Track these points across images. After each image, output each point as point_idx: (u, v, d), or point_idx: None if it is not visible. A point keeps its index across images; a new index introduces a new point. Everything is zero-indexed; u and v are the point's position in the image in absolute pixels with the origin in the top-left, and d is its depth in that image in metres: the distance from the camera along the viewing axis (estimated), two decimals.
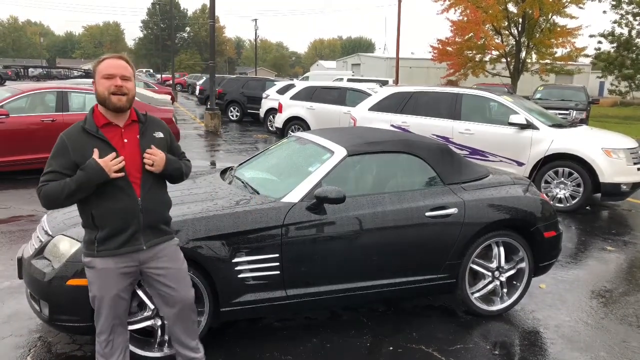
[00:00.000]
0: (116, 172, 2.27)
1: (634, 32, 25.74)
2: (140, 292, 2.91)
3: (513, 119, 7.33)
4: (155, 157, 2.38)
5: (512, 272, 3.88)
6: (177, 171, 2.54)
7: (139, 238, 2.37)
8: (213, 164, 10.37)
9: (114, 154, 2.28)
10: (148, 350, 2.99)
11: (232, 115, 19.12)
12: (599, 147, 6.92)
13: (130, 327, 2.85)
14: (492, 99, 7.84)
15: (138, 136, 2.38)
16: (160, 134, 2.48)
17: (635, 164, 6.98)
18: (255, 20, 63.31)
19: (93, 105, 2.37)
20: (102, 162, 2.23)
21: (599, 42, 26.80)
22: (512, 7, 25.49)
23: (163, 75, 47.87)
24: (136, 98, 9.16)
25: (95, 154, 2.25)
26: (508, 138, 7.43)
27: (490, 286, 3.85)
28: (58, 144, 2.30)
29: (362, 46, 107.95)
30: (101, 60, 2.33)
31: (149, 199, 2.38)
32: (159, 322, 2.99)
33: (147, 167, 2.37)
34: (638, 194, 7.66)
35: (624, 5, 25.60)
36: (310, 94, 12.68)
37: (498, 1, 24.39)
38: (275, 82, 18.19)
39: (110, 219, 2.31)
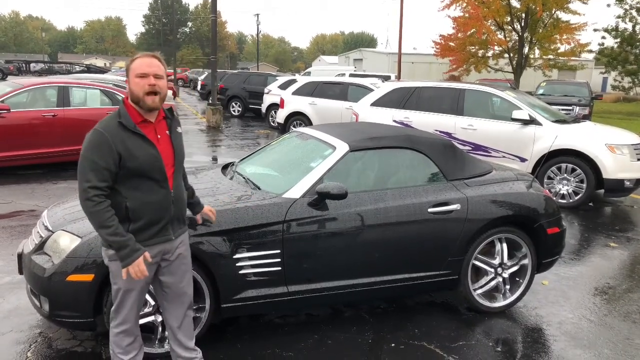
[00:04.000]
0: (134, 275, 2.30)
1: (637, 27, 25.61)
2: None
3: (516, 114, 7.30)
4: (213, 217, 2.87)
5: (515, 268, 3.86)
6: None
7: (169, 229, 2.44)
8: (215, 159, 10.36)
9: (145, 271, 2.29)
10: (149, 347, 2.97)
11: (234, 111, 19.09)
12: (603, 143, 6.88)
13: None
14: (495, 94, 7.80)
15: (167, 132, 2.46)
16: (180, 130, 2.57)
17: (639, 160, 6.94)
18: (257, 15, 63.26)
19: (122, 100, 2.38)
20: (139, 265, 2.27)
21: (603, 37, 26.69)
22: (515, 3, 25.36)
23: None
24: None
25: (145, 257, 2.31)
26: (511, 134, 7.39)
27: (492, 283, 3.83)
28: (97, 139, 2.23)
29: (364, 41, 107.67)
30: (134, 59, 2.35)
31: (178, 190, 2.47)
32: (160, 319, 2.99)
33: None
34: None
35: (628, 0, 25.45)
36: (312, 90, 12.64)
37: None
38: (277, 78, 18.12)
39: (146, 212, 2.33)
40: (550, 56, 26.20)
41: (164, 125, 2.45)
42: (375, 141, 3.69)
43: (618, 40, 26.02)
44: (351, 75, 21.43)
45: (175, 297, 2.58)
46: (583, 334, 3.60)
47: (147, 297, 2.92)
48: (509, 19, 25.50)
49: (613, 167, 6.76)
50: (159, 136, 2.39)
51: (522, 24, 25.84)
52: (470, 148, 7.62)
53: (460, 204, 3.59)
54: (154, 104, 2.32)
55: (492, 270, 3.81)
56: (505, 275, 3.83)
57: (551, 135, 7.00)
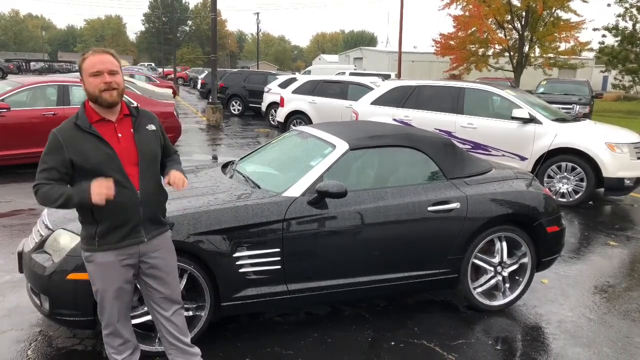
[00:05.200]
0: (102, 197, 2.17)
1: (638, 26, 25.55)
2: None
3: (516, 113, 7.29)
4: (179, 182, 2.43)
5: (514, 267, 3.86)
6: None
7: (140, 230, 2.38)
8: (214, 157, 10.35)
9: (111, 181, 2.20)
10: (148, 345, 2.98)
11: (234, 109, 19.09)
12: (603, 141, 6.88)
13: (131, 322, 2.84)
14: (495, 93, 7.80)
15: (132, 130, 2.37)
16: (152, 127, 2.46)
17: (639, 158, 6.94)
18: (257, 13, 63.26)
19: (84, 101, 2.34)
20: (95, 184, 2.17)
21: (603, 35, 26.63)
22: (515, 1, 25.32)
23: (165, 69, 47.78)
24: (138, 92, 9.14)
25: (98, 181, 2.18)
26: (511, 132, 7.39)
27: (492, 281, 3.83)
28: (51, 141, 2.27)
29: (364, 40, 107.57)
30: (85, 58, 2.27)
31: (148, 192, 2.37)
32: None
33: (175, 187, 2.43)
34: None
35: None
36: (312, 88, 12.63)
37: None
38: (277, 76, 18.13)
39: (111, 213, 2.28)
40: (551, 55, 26.17)
41: (127, 123, 2.36)
42: (375, 140, 3.69)
43: (618, 38, 25.98)
44: (351, 74, 21.41)
45: (160, 299, 2.53)
46: (582, 332, 3.60)
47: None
48: (509, 17, 25.47)
49: (613, 165, 6.76)
50: (119, 134, 2.31)
51: (523, 23, 25.81)
52: (470, 147, 7.62)
53: (460, 203, 3.59)
54: (112, 99, 2.26)
55: (492, 268, 3.81)
56: (505, 273, 3.84)
57: (551, 134, 7.00)
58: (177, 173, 2.47)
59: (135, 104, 2.47)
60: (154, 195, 2.41)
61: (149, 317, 2.98)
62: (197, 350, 2.74)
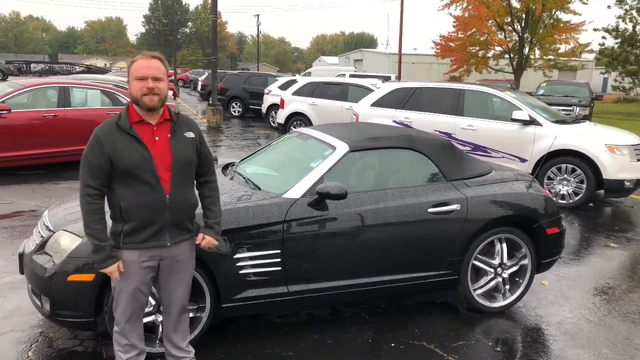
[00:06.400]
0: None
1: (638, 28, 25.60)
2: None
3: (516, 115, 7.30)
4: (211, 244, 2.61)
5: (514, 268, 3.87)
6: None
7: (165, 234, 2.42)
8: (215, 159, 10.33)
9: (117, 272, 2.38)
10: (149, 346, 2.98)
11: (234, 111, 19.10)
12: (603, 143, 6.89)
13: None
14: (495, 94, 7.81)
15: (169, 135, 2.41)
16: (191, 134, 2.50)
17: (639, 160, 6.94)
18: (258, 15, 63.29)
19: (128, 102, 2.42)
20: (113, 272, 2.37)
21: (603, 37, 26.69)
22: (515, 3, 25.37)
23: None
24: None
25: (119, 267, 2.38)
26: (511, 134, 7.40)
27: (492, 283, 3.84)
28: (92, 139, 2.33)
29: (364, 42, 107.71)
30: (134, 61, 2.36)
31: (177, 197, 2.40)
32: (160, 318, 2.99)
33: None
34: None
35: (628, 1, 25.45)
36: (313, 90, 12.65)
37: None
38: (277, 78, 18.13)
39: (138, 213, 2.34)
40: (551, 56, 26.21)
41: (166, 127, 2.42)
42: (375, 141, 3.70)
43: (618, 40, 26.02)
44: (351, 75, 21.42)
45: (170, 303, 2.60)
46: (582, 333, 3.61)
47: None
48: (509, 19, 25.51)
49: (613, 167, 6.77)
50: (156, 138, 2.37)
51: (523, 25, 25.84)
52: (470, 148, 7.63)
53: (460, 204, 3.59)
54: (152, 103, 2.32)
55: (492, 270, 3.81)
56: (505, 275, 3.84)
57: (551, 136, 7.00)
58: (210, 240, 2.59)
59: (177, 111, 2.55)
60: (182, 201, 2.44)
61: (150, 318, 2.99)
62: (191, 354, 2.80)
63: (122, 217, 2.35)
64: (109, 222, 2.40)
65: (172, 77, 36.32)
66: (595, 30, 26.19)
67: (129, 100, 2.41)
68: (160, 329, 3.01)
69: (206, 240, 2.58)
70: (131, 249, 2.38)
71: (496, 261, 3.81)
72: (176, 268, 2.52)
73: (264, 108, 16.00)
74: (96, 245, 2.32)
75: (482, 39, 25.66)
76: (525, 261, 3.85)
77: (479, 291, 3.80)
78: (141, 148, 2.32)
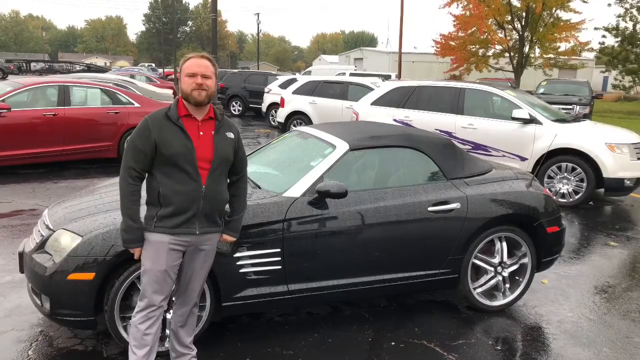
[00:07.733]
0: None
1: (638, 27, 25.57)
2: None
3: (516, 113, 7.30)
4: (228, 240, 2.76)
5: (514, 267, 3.87)
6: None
7: (195, 223, 2.53)
8: None
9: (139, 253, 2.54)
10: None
11: (234, 110, 19.08)
12: (603, 142, 6.89)
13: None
14: (495, 93, 7.81)
15: (213, 132, 2.57)
16: (231, 135, 2.68)
17: (639, 159, 6.94)
18: (258, 14, 63.31)
19: (178, 97, 2.57)
20: (136, 250, 2.53)
21: (603, 36, 26.66)
22: (515, 2, 25.33)
23: (165, 70, 47.78)
24: (137, 92, 9.14)
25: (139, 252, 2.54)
26: (511, 133, 7.40)
27: (492, 281, 3.84)
28: (141, 125, 2.48)
29: (364, 40, 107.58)
30: (187, 59, 2.54)
31: (212, 189, 2.54)
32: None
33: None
34: None
35: None
36: (313, 89, 12.64)
37: None
38: (277, 77, 18.12)
39: (175, 200, 2.46)
40: (551, 55, 26.17)
41: (210, 125, 2.58)
42: (375, 140, 3.70)
43: (619, 39, 25.99)
44: (352, 74, 21.40)
45: (184, 291, 2.69)
46: (582, 332, 3.61)
47: None
48: (509, 18, 25.47)
49: (613, 166, 6.77)
50: (201, 133, 2.52)
51: (523, 23, 25.81)
52: (470, 147, 7.63)
53: (460, 203, 3.59)
54: (200, 98, 2.48)
55: (492, 269, 3.82)
56: (505, 274, 3.84)
57: (551, 134, 7.00)
58: (227, 237, 2.74)
59: (223, 112, 2.76)
60: (216, 194, 2.57)
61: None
62: (194, 352, 2.85)
63: (159, 202, 2.48)
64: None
65: (172, 76, 36.35)
66: (595, 29, 26.18)
67: (178, 95, 2.56)
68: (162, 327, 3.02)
69: (224, 236, 2.73)
70: (162, 232, 2.49)
71: (496, 260, 3.81)
72: (199, 257, 2.63)
73: (264, 107, 15.99)
74: (129, 225, 2.47)
75: (482, 37, 25.62)
76: (525, 260, 3.85)
77: (479, 290, 3.80)
78: (186, 139, 2.47)
